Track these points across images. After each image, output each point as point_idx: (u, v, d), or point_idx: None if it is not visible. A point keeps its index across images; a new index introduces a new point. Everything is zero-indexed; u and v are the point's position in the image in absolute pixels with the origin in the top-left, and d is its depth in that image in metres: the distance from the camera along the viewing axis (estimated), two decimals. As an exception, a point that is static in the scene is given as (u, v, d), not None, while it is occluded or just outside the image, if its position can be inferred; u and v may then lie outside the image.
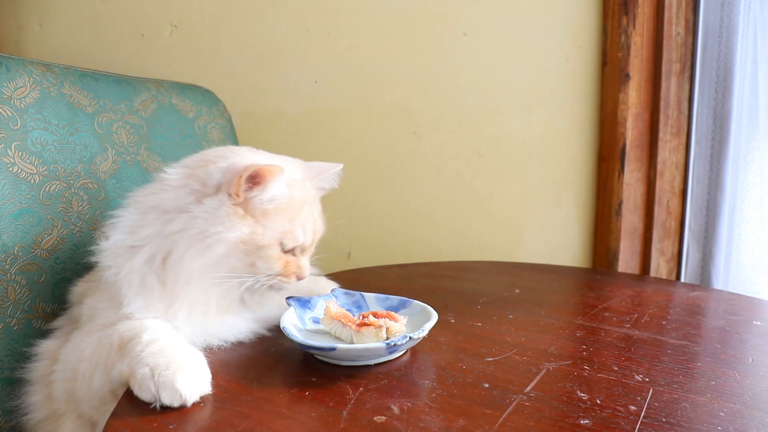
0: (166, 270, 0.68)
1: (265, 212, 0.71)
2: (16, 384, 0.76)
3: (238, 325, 0.74)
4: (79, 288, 0.80)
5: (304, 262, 0.78)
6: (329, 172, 0.84)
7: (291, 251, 0.75)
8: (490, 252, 1.32)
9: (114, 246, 0.70)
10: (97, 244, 0.72)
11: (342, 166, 0.86)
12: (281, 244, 0.73)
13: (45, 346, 0.75)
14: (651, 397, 0.59)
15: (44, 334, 0.79)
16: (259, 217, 0.71)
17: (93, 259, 0.73)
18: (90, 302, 0.73)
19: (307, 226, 0.76)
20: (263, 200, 0.70)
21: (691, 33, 1.17)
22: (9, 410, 0.77)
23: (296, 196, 0.74)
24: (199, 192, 0.70)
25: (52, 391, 0.69)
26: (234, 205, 0.69)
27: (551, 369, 0.66)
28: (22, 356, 0.77)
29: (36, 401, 0.73)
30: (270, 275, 0.72)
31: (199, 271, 0.68)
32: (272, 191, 0.70)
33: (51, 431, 0.70)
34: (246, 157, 0.75)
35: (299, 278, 0.77)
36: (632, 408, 0.57)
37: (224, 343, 0.72)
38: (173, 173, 0.73)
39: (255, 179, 0.69)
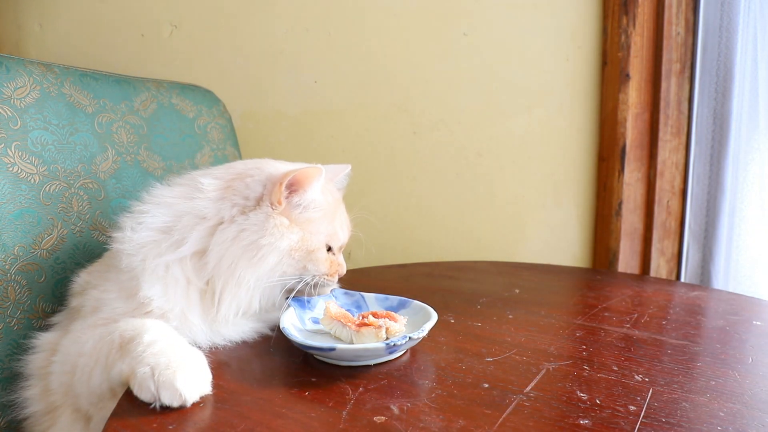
0: (210, 272, 0.70)
1: (309, 219, 0.75)
2: (14, 380, 0.76)
3: (243, 326, 0.75)
4: (81, 278, 0.79)
5: (342, 259, 0.82)
6: (342, 174, 0.89)
7: (331, 251, 0.80)
8: (490, 252, 1.32)
9: (142, 240, 0.71)
10: (116, 233, 0.73)
11: (350, 167, 0.90)
12: (326, 245, 0.78)
13: (43, 339, 0.75)
14: (651, 397, 0.59)
15: (44, 330, 0.79)
16: (304, 224, 0.75)
17: (112, 245, 0.74)
18: (95, 293, 0.73)
19: (344, 225, 0.83)
20: (305, 204, 0.74)
21: (691, 33, 1.17)
22: (7, 405, 0.77)
23: (329, 198, 0.79)
24: (241, 205, 0.73)
25: (50, 383, 0.69)
26: (279, 215, 0.73)
27: (551, 369, 0.66)
28: (23, 350, 0.77)
29: (32, 395, 0.73)
30: (316, 276, 0.77)
31: (254, 279, 0.71)
32: (312, 194, 0.75)
33: (48, 426, 0.70)
34: (278, 167, 0.78)
35: (340, 275, 0.81)
36: (632, 408, 0.57)
37: (229, 343, 0.73)
38: (208, 183, 0.75)
39: (294, 185, 0.73)
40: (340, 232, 0.81)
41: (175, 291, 0.70)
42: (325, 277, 0.78)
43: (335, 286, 0.84)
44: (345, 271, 0.82)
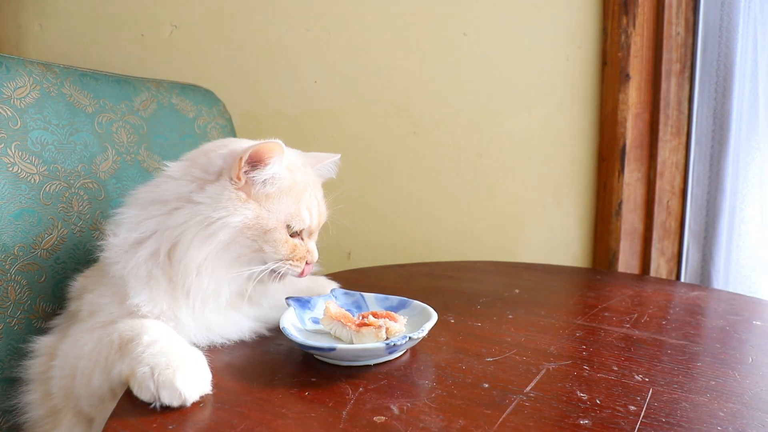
0: (174, 263, 0.68)
1: (269, 195, 0.71)
2: (14, 383, 0.76)
3: (240, 324, 0.75)
4: (78, 283, 0.79)
5: (312, 246, 0.77)
6: (327, 161, 0.85)
7: (298, 235, 0.75)
8: (490, 252, 1.32)
9: (122, 243, 0.70)
10: (103, 240, 0.73)
11: (339, 156, 0.87)
12: (288, 227, 0.73)
13: (42, 343, 0.75)
14: (651, 397, 0.59)
15: (43, 333, 0.79)
16: (263, 201, 0.71)
17: (100, 254, 0.73)
18: (91, 297, 0.73)
19: (313, 209, 0.76)
20: (265, 180, 0.70)
21: (691, 33, 1.17)
22: (7, 410, 0.77)
23: (298, 179, 0.74)
24: (201, 179, 0.71)
25: (50, 388, 0.69)
26: (236, 189, 0.70)
27: (551, 369, 0.66)
28: (22, 355, 0.77)
29: (33, 399, 0.72)
30: (280, 261, 0.72)
31: (206, 259, 0.68)
32: (272, 169, 0.70)
33: (49, 429, 0.70)
34: (243, 144, 0.75)
35: (309, 263, 0.76)
36: (632, 408, 0.57)
37: (227, 342, 0.73)
38: (173, 165, 0.74)
39: (255, 159, 0.69)
40: (306, 214, 0.75)
41: (158, 293, 0.69)
42: (289, 263, 0.73)
43: (333, 286, 0.81)
44: (315, 258, 0.76)
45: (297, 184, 0.74)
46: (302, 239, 0.76)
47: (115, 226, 0.72)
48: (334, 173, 0.87)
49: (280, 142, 0.70)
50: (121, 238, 0.70)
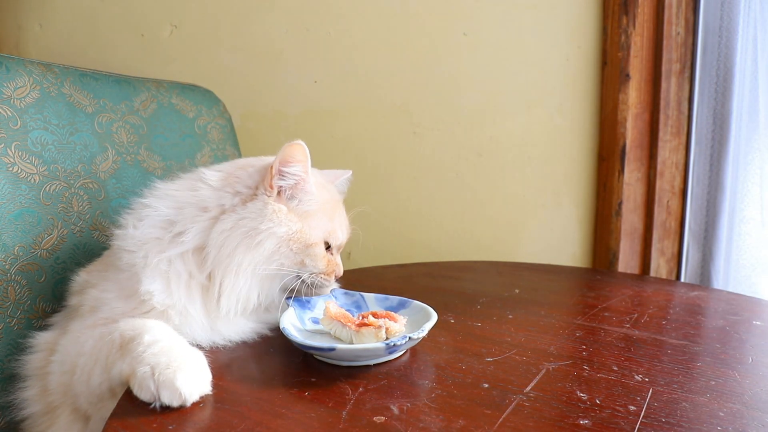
0: (210, 262, 0.71)
1: (307, 212, 0.76)
2: (14, 379, 0.76)
3: (244, 326, 0.75)
4: (81, 278, 0.79)
5: (339, 260, 0.82)
6: (342, 179, 0.90)
7: (329, 250, 0.80)
8: (490, 252, 1.31)
9: (144, 235, 0.72)
10: (118, 230, 0.75)
11: (351, 172, 0.91)
12: (325, 242, 0.78)
13: (41, 338, 0.75)
14: (651, 397, 0.59)
15: (43, 330, 0.79)
16: (303, 217, 0.75)
17: (112, 242, 0.75)
18: (94, 293, 0.73)
19: (343, 226, 0.83)
20: (294, 183, 0.74)
21: (691, 33, 1.17)
22: (5, 406, 0.77)
23: (326, 197, 0.80)
24: (242, 194, 0.74)
25: (48, 383, 0.69)
26: (276, 202, 0.73)
27: (551, 369, 0.66)
28: (21, 350, 0.77)
29: (31, 395, 0.72)
30: (314, 273, 0.76)
31: (251, 266, 0.71)
32: (295, 169, 0.74)
33: (46, 426, 0.70)
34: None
35: (336, 276, 0.80)
36: (632, 408, 0.57)
37: (229, 343, 0.73)
38: (209, 174, 0.77)
39: (283, 164, 0.74)
40: (339, 231, 0.81)
41: (177, 285, 0.71)
42: (322, 276, 0.77)
43: (334, 286, 0.84)
44: (341, 272, 0.81)
45: (327, 202, 0.79)
46: (331, 254, 0.80)
47: (137, 219, 0.74)
48: (346, 188, 0.91)
49: (301, 142, 0.73)
50: (145, 232, 0.72)
